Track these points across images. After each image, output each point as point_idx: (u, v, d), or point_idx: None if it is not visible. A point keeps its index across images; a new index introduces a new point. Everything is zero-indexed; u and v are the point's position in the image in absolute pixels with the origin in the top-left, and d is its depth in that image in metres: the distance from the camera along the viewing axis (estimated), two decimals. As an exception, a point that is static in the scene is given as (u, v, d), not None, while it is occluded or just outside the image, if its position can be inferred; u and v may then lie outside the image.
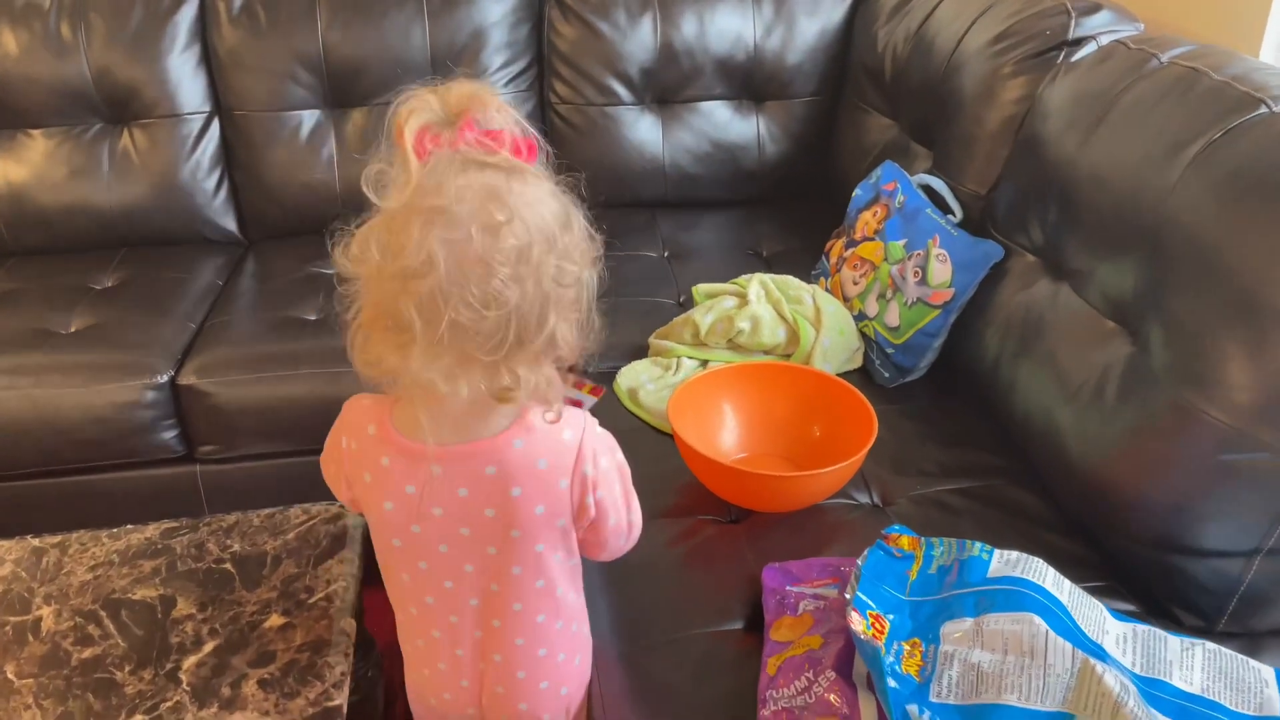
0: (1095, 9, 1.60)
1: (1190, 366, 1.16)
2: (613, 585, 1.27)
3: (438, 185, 0.79)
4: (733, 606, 1.21)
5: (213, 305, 1.97)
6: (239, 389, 1.75)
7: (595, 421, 0.96)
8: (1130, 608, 1.20)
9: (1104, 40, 1.55)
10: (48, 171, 2.09)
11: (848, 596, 1.05)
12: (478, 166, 0.81)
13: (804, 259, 1.99)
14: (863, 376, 1.67)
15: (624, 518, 1.00)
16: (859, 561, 1.11)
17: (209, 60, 2.13)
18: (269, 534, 1.33)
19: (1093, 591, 1.20)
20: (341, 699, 1.13)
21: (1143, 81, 1.38)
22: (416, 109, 0.82)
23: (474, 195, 0.79)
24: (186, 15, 2.10)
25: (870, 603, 1.05)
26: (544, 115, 2.24)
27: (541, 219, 0.82)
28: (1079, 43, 1.58)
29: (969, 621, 1.01)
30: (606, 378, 1.68)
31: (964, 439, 1.50)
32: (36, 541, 1.34)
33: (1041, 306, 1.46)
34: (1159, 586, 1.21)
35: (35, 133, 2.10)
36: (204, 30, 2.12)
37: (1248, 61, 1.31)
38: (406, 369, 0.82)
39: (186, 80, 2.11)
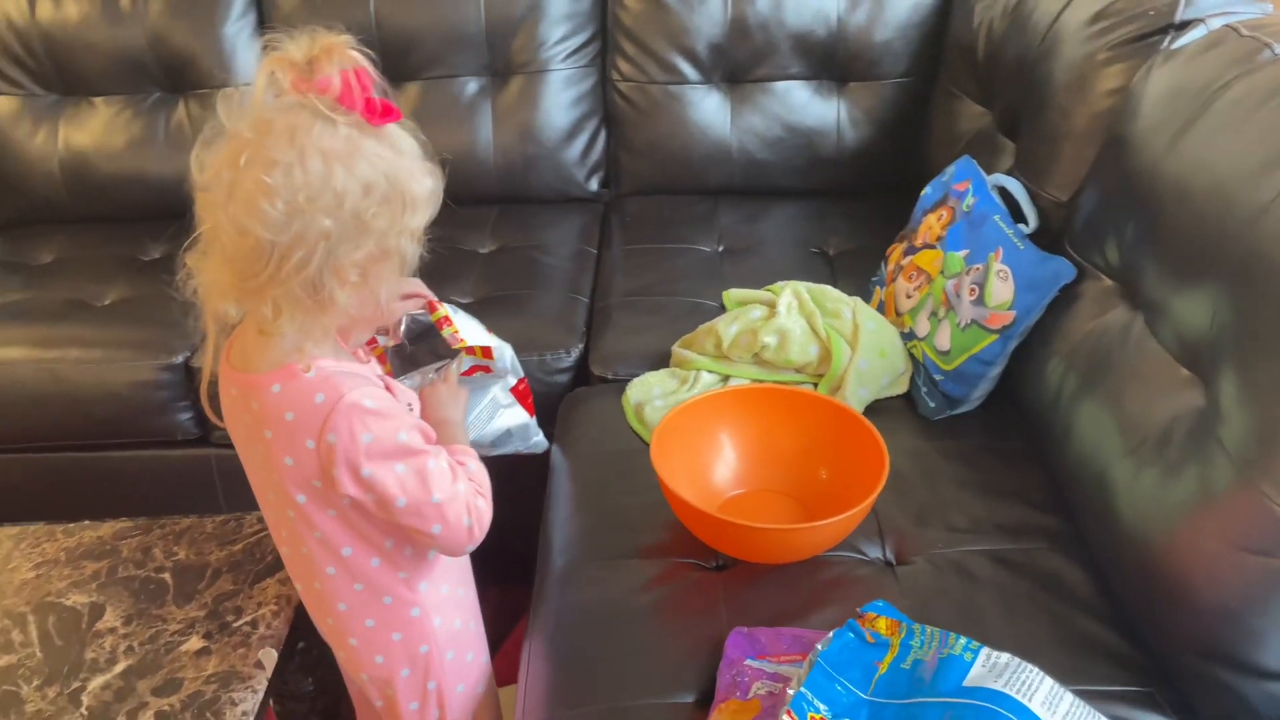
0: (1215, -16, 1.33)
1: (1264, 443, 0.93)
2: (560, 633, 1.14)
3: (254, 117, 0.85)
4: (687, 675, 1.06)
5: (249, 283, 1.92)
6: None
7: (376, 395, 0.94)
8: (1166, 727, 0.99)
9: (1215, 23, 1.28)
10: (107, 140, 2.08)
11: (790, 692, 0.89)
12: (297, 108, 0.85)
13: (874, 261, 1.77)
14: (907, 404, 1.47)
15: (421, 501, 0.95)
16: (819, 645, 0.94)
17: (264, 30, 2.07)
18: (218, 543, 1.26)
19: (1128, 698, 1.00)
20: (239, 742, 1.03)
21: (1247, 77, 1.12)
22: (274, 49, 0.86)
23: (274, 132, 0.83)
24: (242, -17, 2.05)
25: (816, 703, 0.88)
26: (605, 93, 2.08)
27: (330, 172, 0.83)
28: (1186, 25, 1.32)
29: (926, 743, 0.83)
30: (619, 387, 1.53)
31: (1010, 490, 1.29)
32: (-5, 533, 1.31)
33: (1111, 339, 1.23)
34: (1204, 704, 0.99)
35: (97, 100, 2.09)
36: (260, -1, 2.06)
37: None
38: (195, 280, 0.89)
39: (241, 50, 2.05)
